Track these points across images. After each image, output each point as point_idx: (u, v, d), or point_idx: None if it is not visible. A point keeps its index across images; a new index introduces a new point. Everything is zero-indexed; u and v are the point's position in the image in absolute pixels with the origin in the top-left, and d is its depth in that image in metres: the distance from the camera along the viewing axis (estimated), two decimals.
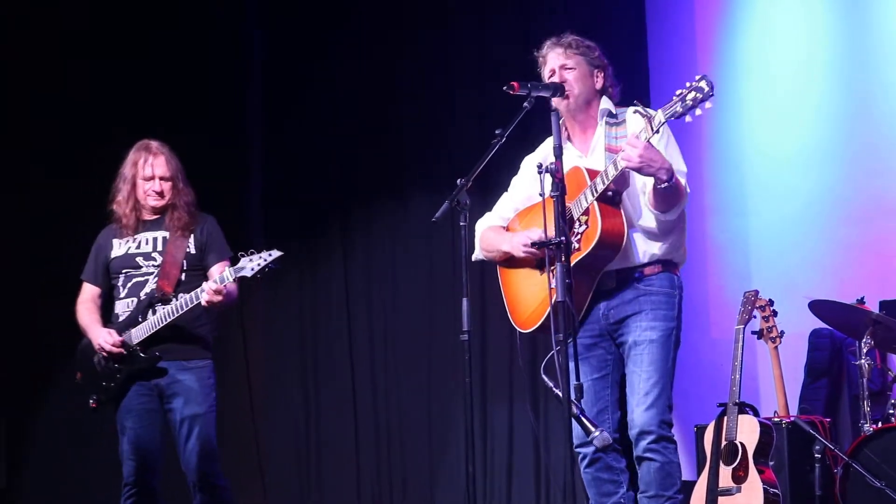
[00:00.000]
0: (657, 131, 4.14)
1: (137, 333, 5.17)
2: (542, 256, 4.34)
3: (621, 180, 4.28)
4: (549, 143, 4.51)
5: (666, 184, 4.20)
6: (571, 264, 4.15)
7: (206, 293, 5.00)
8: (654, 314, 4.38)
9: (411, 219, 7.85)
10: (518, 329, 4.60)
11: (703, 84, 4.02)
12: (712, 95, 4.02)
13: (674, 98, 4.08)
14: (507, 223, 4.66)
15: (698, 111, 4.06)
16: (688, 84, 4.05)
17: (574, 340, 4.00)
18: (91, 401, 5.29)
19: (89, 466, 7.91)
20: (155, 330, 5.14)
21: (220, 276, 5.03)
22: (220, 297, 5.00)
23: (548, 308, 4.30)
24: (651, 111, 4.22)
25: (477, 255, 4.67)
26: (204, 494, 5.21)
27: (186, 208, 5.31)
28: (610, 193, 4.29)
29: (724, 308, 6.32)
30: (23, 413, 8.05)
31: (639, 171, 4.18)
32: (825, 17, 6.71)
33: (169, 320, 5.11)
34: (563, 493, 6.90)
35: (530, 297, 4.50)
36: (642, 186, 4.37)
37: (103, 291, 5.38)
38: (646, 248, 4.40)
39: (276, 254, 5.06)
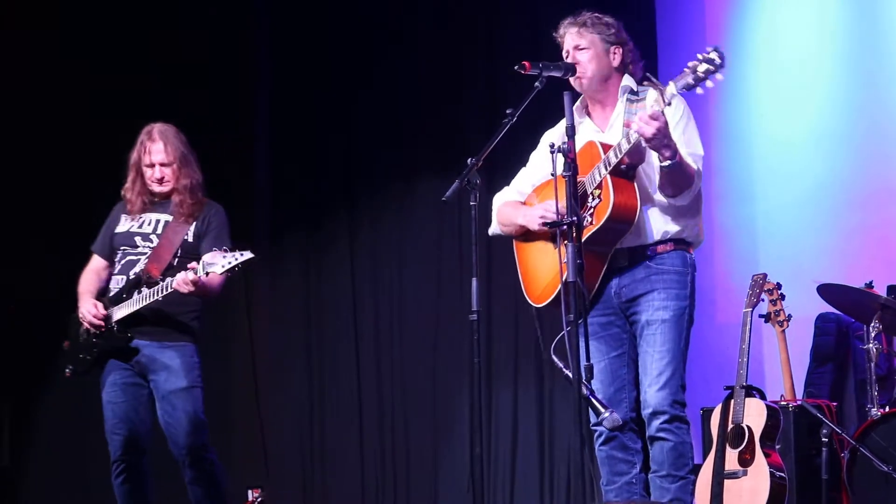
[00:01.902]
0: (669, 103, 4.10)
1: (119, 312, 5.20)
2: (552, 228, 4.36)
3: (635, 154, 4.23)
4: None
5: (668, 161, 4.15)
6: (584, 238, 4.15)
7: (177, 281, 5.01)
8: (666, 293, 4.36)
9: (418, 203, 7.84)
10: (531, 303, 4.57)
11: (713, 55, 3.97)
12: (724, 67, 3.97)
13: (685, 70, 4.03)
14: (525, 198, 4.64)
15: (709, 83, 4.01)
16: (699, 56, 4.00)
17: (585, 321, 3.99)
18: (67, 370, 5.34)
19: (92, 446, 7.89)
20: (133, 310, 5.16)
21: (198, 269, 5.03)
22: (190, 287, 5.00)
23: (559, 283, 4.29)
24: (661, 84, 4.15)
25: (493, 229, 4.66)
26: (193, 469, 5.22)
27: (188, 192, 5.31)
28: (623, 167, 4.25)
29: (731, 293, 6.31)
30: (27, 393, 8.05)
31: (648, 142, 4.13)
32: (835, 3, 6.69)
33: (147, 303, 5.13)
34: (567, 473, 6.92)
35: (544, 271, 4.48)
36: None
37: (110, 264, 5.41)
38: (659, 227, 4.37)
39: (247, 255, 5.03)
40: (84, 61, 7.94)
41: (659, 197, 4.34)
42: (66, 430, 8.00)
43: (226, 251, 5.03)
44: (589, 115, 4.55)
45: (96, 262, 5.44)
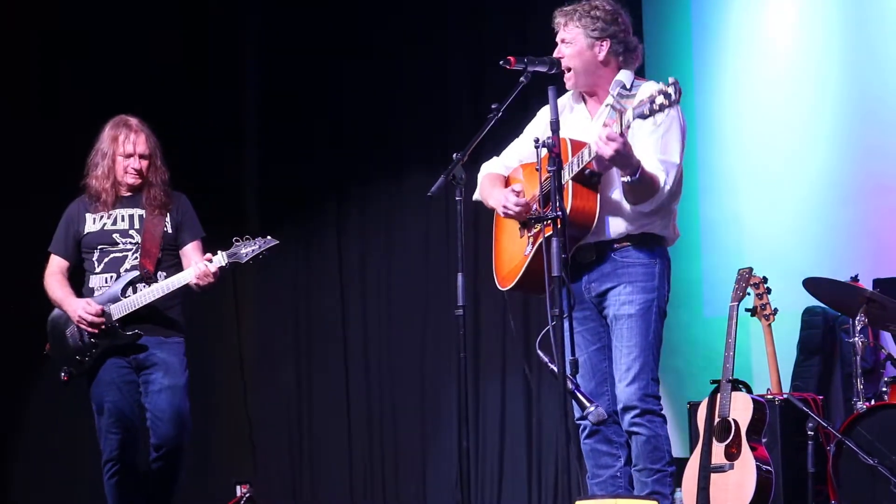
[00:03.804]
0: (629, 126, 4.09)
1: (117, 310, 5.15)
2: (521, 218, 4.39)
3: (599, 164, 4.22)
4: (567, 96, 4.51)
5: (628, 178, 4.16)
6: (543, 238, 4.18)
7: (196, 276, 5.01)
8: (631, 287, 4.33)
9: (407, 197, 7.85)
10: (497, 284, 4.58)
11: (671, 90, 3.96)
12: (678, 102, 3.98)
13: (643, 99, 4.04)
14: (509, 172, 4.62)
15: (662, 115, 4.03)
16: (661, 85, 3.99)
17: (570, 316, 3.99)
18: (63, 374, 5.27)
19: (81, 445, 7.88)
20: (139, 306, 5.13)
21: (215, 260, 5.03)
22: (210, 280, 5.03)
23: (520, 271, 4.37)
24: (625, 104, 4.14)
25: (476, 196, 4.62)
26: (163, 462, 5.20)
27: (162, 186, 5.29)
28: (588, 172, 4.24)
29: (718, 286, 6.31)
30: (14, 398, 8.02)
31: (608, 161, 4.14)
32: None
33: (153, 299, 5.11)
34: (555, 468, 6.93)
35: (510, 255, 4.50)
36: None
37: (72, 265, 5.36)
38: (620, 226, 4.34)
39: (271, 241, 5.07)
40: (84, 60, 7.96)
41: (622, 202, 4.32)
42: (55, 429, 7.98)
43: (247, 239, 5.04)
44: (585, 100, 4.54)
45: (59, 264, 5.35)
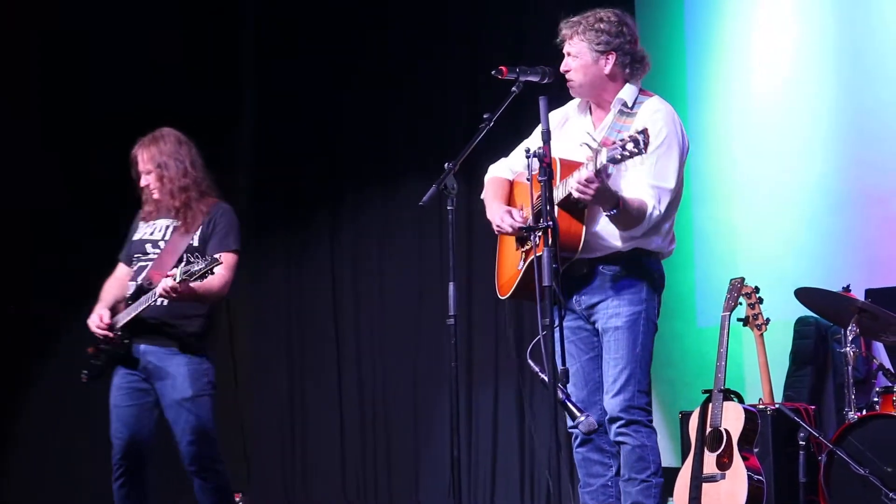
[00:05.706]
0: (599, 170, 4.05)
1: (121, 318, 5.16)
2: (512, 235, 4.40)
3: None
4: (573, 104, 4.51)
5: (609, 213, 4.17)
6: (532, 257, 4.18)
7: (159, 288, 4.96)
8: (618, 300, 4.34)
9: (400, 205, 7.86)
10: (497, 291, 4.59)
11: (640, 139, 3.92)
12: (644, 152, 3.95)
13: (617, 142, 4.00)
14: (515, 176, 4.60)
15: (629, 164, 4.02)
16: (634, 133, 3.96)
17: (560, 325, 4.00)
18: (83, 374, 5.29)
19: (79, 451, 7.91)
20: (131, 316, 5.10)
21: (176, 274, 4.92)
22: (171, 294, 4.92)
23: (514, 284, 4.39)
24: (599, 145, 4.10)
25: (483, 196, 4.61)
26: (198, 479, 5.17)
27: (170, 198, 5.19)
28: (572, 199, 4.21)
29: (710, 296, 6.33)
30: (14, 398, 8.03)
31: (590, 202, 4.15)
32: (816, 6, 6.70)
33: (142, 309, 5.08)
34: (547, 475, 6.93)
35: (508, 264, 4.51)
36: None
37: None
38: (610, 244, 4.34)
39: (217, 261, 4.91)
40: (84, 60, 7.97)
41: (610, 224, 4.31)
42: (54, 430, 7.99)
43: (197, 258, 4.94)
44: (591, 110, 4.53)
45: (119, 270, 5.38)
